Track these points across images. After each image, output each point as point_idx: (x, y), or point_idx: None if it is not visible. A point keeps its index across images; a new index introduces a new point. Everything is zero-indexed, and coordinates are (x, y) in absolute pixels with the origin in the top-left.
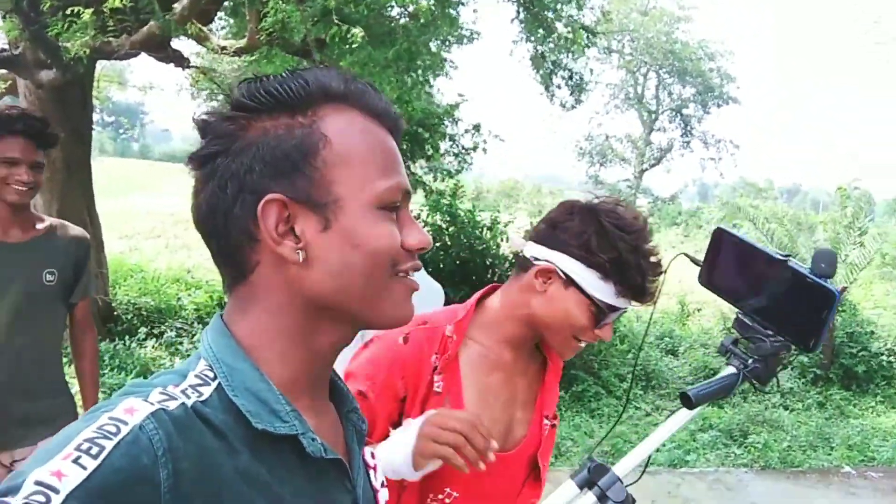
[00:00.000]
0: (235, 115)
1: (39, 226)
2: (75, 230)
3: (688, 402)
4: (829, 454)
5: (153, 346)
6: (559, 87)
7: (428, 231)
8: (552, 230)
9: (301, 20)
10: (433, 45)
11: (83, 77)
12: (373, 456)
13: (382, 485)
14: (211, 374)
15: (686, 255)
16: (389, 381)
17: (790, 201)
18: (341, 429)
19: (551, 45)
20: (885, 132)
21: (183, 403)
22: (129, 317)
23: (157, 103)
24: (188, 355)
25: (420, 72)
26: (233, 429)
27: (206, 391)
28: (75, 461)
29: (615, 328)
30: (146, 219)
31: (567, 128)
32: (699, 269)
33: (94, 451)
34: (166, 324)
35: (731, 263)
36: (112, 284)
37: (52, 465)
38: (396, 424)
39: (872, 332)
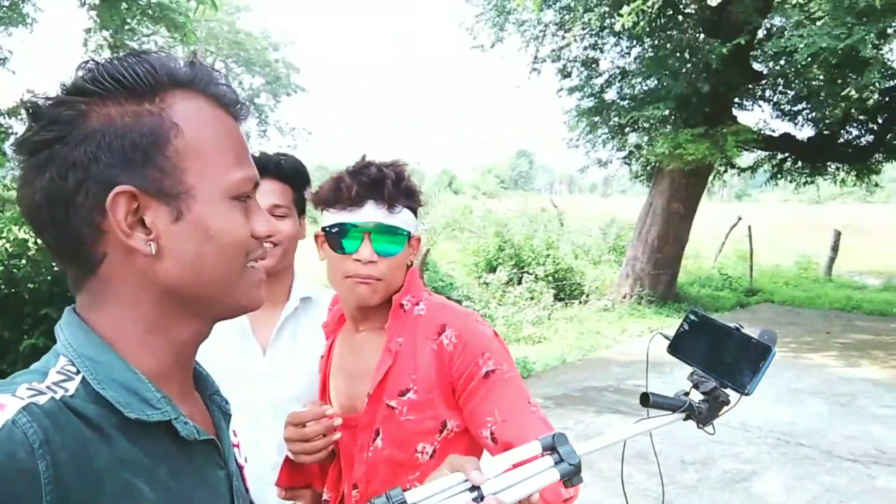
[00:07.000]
0: (72, 101)
1: None
2: None
3: (645, 400)
4: None
5: None
6: None
7: (11, 247)
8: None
9: None
10: None
11: None
12: (234, 434)
13: (246, 460)
14: (73, 369)
15: (661, 334)
16: None
17: None
18: (207, 411)
19: (128, 33)
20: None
21: (52, 397)
22: None
23: None
24: None
25: None
26: (105, 419)
27: (72, 386)
28: None
29: None
30: None
31: None
32: (668, 341)
33: None
34: None
35: (694, 335)
36: None
37: None
38: None
39: (452, 284)
